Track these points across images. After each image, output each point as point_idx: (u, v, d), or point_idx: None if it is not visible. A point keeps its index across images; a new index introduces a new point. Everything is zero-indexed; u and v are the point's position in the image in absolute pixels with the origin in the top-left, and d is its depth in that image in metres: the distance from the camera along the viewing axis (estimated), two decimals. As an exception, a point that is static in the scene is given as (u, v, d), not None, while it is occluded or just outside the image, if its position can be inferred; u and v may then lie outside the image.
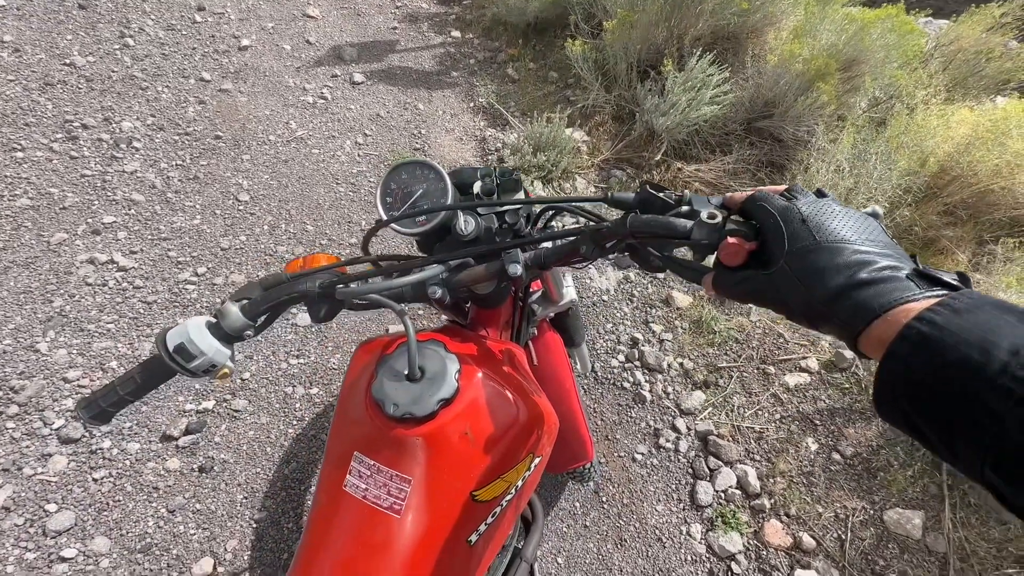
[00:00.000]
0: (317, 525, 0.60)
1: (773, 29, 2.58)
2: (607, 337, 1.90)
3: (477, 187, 0.73)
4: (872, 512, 1.51)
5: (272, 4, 2.93)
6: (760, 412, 1.71)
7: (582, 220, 0.70)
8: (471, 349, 0.70)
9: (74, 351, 1.66)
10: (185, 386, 1.65)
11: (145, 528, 1.42)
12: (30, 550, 1.35)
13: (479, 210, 0.70)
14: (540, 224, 0.78)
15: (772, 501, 1.55)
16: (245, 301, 0.61)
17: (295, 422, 1.64)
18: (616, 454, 1.65)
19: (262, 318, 0.63)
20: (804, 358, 1.81)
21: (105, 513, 1.43)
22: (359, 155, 2.38)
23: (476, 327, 0.81)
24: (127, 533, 1.41)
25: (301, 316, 1.85)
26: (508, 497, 0.65)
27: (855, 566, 1.44)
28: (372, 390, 0.60)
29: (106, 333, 1.72)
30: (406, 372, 0.60)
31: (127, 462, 1.51)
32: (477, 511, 0.62)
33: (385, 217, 0.67)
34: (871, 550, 1.46)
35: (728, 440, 1.66)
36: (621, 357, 1.84)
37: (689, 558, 1.47)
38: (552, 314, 1.12)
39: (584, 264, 0.61)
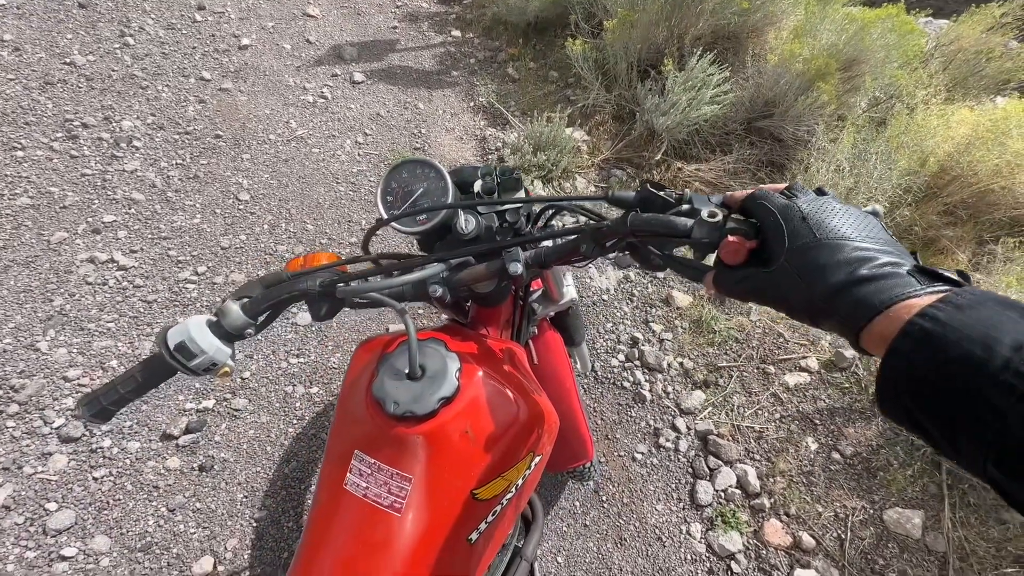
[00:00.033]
0: (317, 523, 0.60)
1: (773, 29, 2.58)
2: (607, 336, 1.90)
3: (478, 186, 0.73)
4: (872, 511, 1.52)
5: (272, 3, 2.93)
6: (760, 412, 1.72)
7: (582, 219, 0.70)
8: (472, 348, 0.70)
9: (74, 350, 1.66)
10: (185, 385, 1.65)
11: (145, 527, 1.42)
12: (30, 549, 1.35)
13: (480, 209, 0.70)
14: (541, 223, 0.78)
15: (772, 500, 1.55)
16: (246, 299, 0.61)
17: (295, 421, 1.64)
18: (616, 453, 1.65)
19: (263, 316, 0.63)
20: (804, 358, 1.81)
21: (105, 512, 1.43)
22: (359, 154, 2.38)
23: (476, 326, 0.81)
24: (127, 532, 1.41)
25: (301, 315, 1.85)
26: (508, 496, 0.66)
27: (855, 565, 1.44)
28: (373, 388, 0.60)
29: (106, 332, 1.72)
30: (407, 371, 0.60)
31: (127, 461, 1.51)
32: (477, 509, 0.62)
33: (386, 216, 0.67)
34: (871, 549, 1.46)
35: (728, 439, 1.66)
36: (621, 356, 1.85)
37: (689, 557, 1.47)
38: (552, 313, 1.12)
39: (585, 263, 0.62)
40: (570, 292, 1.06)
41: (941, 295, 0.32)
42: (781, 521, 1.52)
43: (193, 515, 1.45)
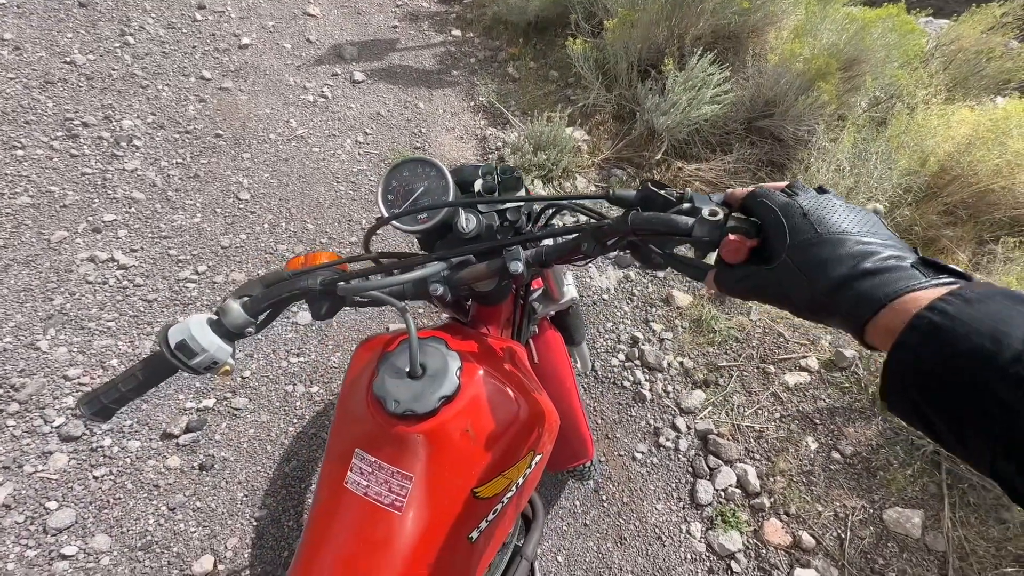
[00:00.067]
0: (318, 522, 0.60)
1: (774, 28, 2.58)
2: (607, 336, 1.90)
3: (478, 185, 0.73)
4: (872, 511, 1.52)
5: (272, 2, 2.93)
6: (760, 411, 1.72)
7: (583, 218, 0.70)
8: (472, 347, 0.70)
9: (74, 349, 1.66)
10: (185, 384, 1.65)
11: (146, 526, 1.42)
12: (31, 547, 1.35)
13: (480, 208, 0.70)
14: (541, 222, 0.78)
15: (772, 500, 1.55)
16: (246, 298, 0.61)
17: (295, 420, 1.64)
18: (616, 453, 1.65)
19: (263, 315, 0.63)
20: (804, 357, 1.81)
21: (105, 511, 1.43)
22: (359, 154, 2.38)
23: (477, 325, 0.81)
24: (127, 531, 1.41)
25: (301, 314, 1.85)
26: (509, 494, 0.66)
27: (854, 565, 1.44)
28: (373, 387, 0.60)
29: (106, 331, 1.72)
30: (407, 369, 0.60)
31: (128, 460, 1.51)
32: (478, 508, 0.62)
33: (387, 214, 0.67)
34: (870, 549, 1.46)
35: (728, 439, 1.66)
36: (621, 356, 1.85)
37: (689, 556, 1.48)
38: (553, 312, 1.12)
39: (585, 261, 0.62)
40: (571, 291, 1.07)
41: (948, 288, 0.32)
42: (781, 520, 1.52)
43: (193, 514, 1.46)
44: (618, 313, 1.96)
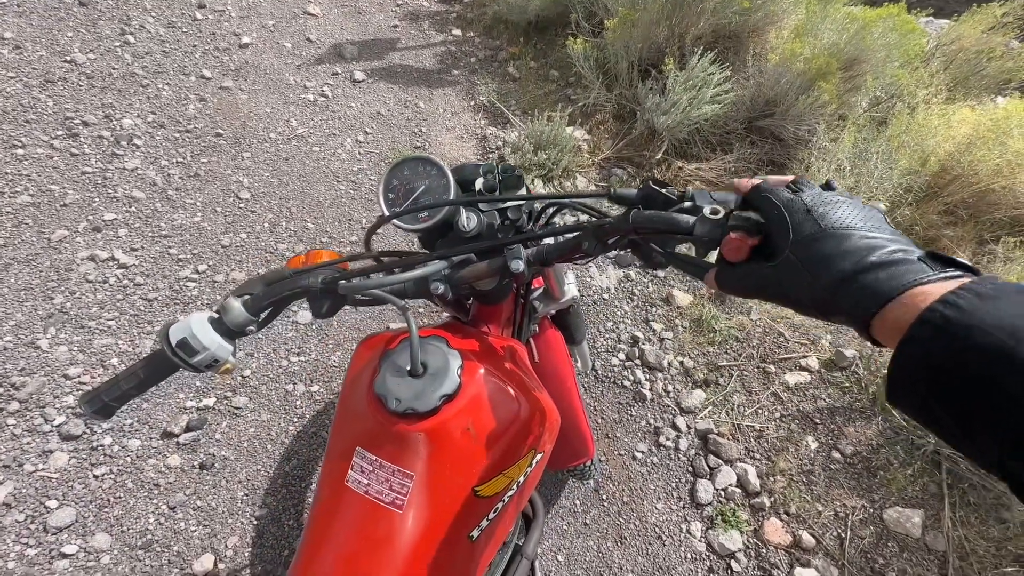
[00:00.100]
0: (319, 520, 0.60)
1: (774, 28, 2.58)
2: (607, 335, 1.90)
3: (479, 183, 0.73)
4: (872, 511, 1.52)
5: (273, 2, 2.93)
6: (760, 411, 1.72)
7: (584, 217, 0.70)
8: (473, 345, 0.70)
9: (75, 348, 1.66)
10: (186, 383, 1.65)
11: (146, 525, 1.42)
12: (31, 546, 1.35)
13: (481, 206, 0.70)
14: (542, 220, 0.78)
15: (772, 499, 1.55)
16: (247, 296, 0.61)
17: (296, 419, 1.64)
18: (616, 452, 1.65)
19: (264, 313, 0.63)
20: (804, 357, 1.81)
21: (106, 510, 1.43)
22: (360, 153, 2.38)
23: (478, 323, 0.81)
24: (128, 530, 1.41)
25: (302, 314, 1.85)
26: (510, 493, 0.66)
27: (855, 564, 1.44)
28: (374, 385, 0.60)
29: (107, 330, 1.72)
30: (408, 368, 0.60)
31: (128, 459, 1.51)
32: (479, 507, 0.62)
33: (388, 213, 0.67)
34: (871, 548, 1.46)
35: (728, 438, 1.66)
36: (621, 355, 1.85)
37: (689, 556, 1.48)
38: (554, 311, 1.12)
39: (587, 260, 0.61)
40: (571, 290, 1.07)
41: (959, 283, 0.31)
42: (781, 520, 1.52)
43: (194, 513, 1.46)
44: (618, 312, 1.96)
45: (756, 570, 1.45)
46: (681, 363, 1.82)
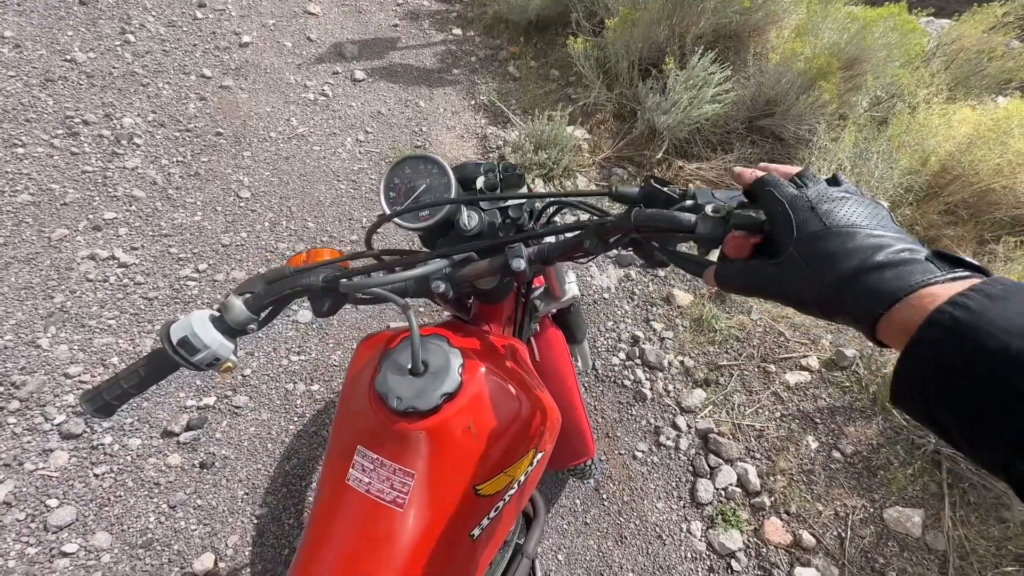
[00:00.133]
0: (320, 519, 0.60)
1: (775, 27, 2.58)
2: (608, 335, 1.90)
3: (480, 182, 0.73)
4: (872, 510, 1.52)
5: (273, 1, 2.92)
6: (760, 410, 1.72)
7: (585, 215, 0.70)
8: (474, 344, 0.70)
9: (75, 347, 1.66)
10: (186, 382, 1.65)
11: (146, 523, 1.42)
12: (31, 545, 1.35)
13: (482, 205, 0.70)
14: (543, 219, 0.78)
15: (772, 499, 1.55)
16: (248, 295, 0.61)
17: (296, 418, 1.64)
18: (616, 452, 1.65)
19: (265, 312, 0.63)
20: (805, 356, 1.81)
21: (106, 508, 1.43)
22: (360, 152, 2.38)
23: (479, 322, 0.81)
24: (128, 528, 1.41)
25: (302, 313, 1.85)
26: (511, 492, 0.66)
27: (855, 564, 1.44)
28: (375, 384, 0.60)
29: (107, 329, 1.72)
30: (409, 366, 0.60)
31: (128, 458, 1.51)
32: (480, 505, 0.62)
33: (389, 212, 0.67)
34: (871, 548, 1.46)
35: (728, 438, 1.66)
36: (622, 355, 1.85)
37: (689, 555, 1.48)
38: (554, 310, 1.12)
39: (588, 259, 0.61)
40: (572, 289, 1.07)
41: (969, 283, 0.31)
42: (781, 519, 1.52)
43: (194, 512, 1.46)
44: (619, 312, 1.95)
45: (756, 569, 1.45)
46: (681, 362, 1.82)
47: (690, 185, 0.61)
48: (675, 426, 1.69)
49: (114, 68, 2.38)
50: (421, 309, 1.92)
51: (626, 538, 1.50)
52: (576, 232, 0.59)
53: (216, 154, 2.23)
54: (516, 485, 0.66)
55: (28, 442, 1.48)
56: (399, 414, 0.58)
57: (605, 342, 1.88)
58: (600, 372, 1.81)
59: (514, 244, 0.61)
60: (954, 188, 2.09)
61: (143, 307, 1.78)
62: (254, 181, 2.18)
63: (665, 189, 0.52)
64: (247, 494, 1.50)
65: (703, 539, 1.50)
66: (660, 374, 1.80)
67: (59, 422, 1.52)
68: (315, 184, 2.22)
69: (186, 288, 1.85)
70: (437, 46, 2.96)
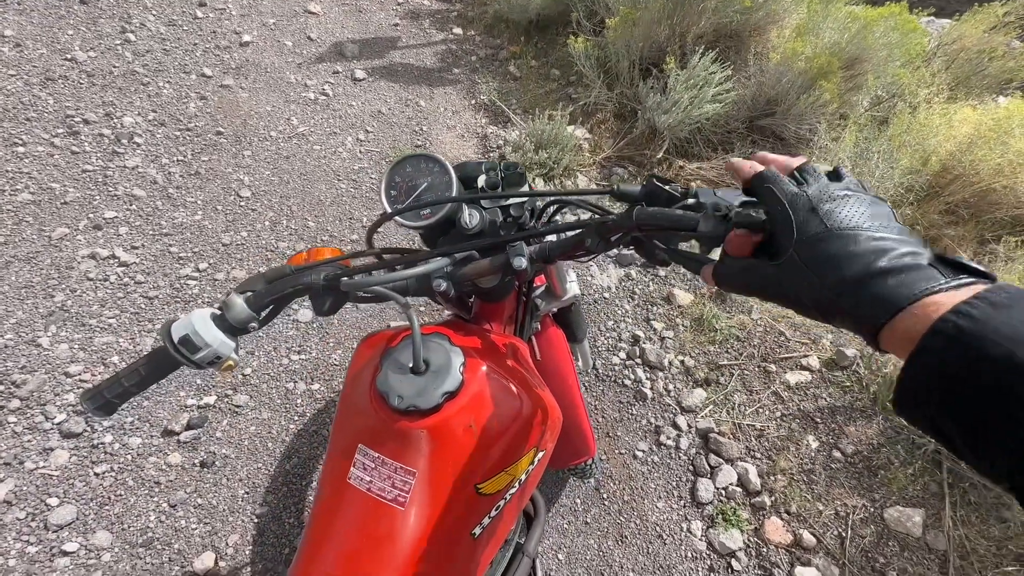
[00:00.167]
0: (321, 517, 0.60)
1: (776, 27, 2.58)
2: (608, 334, 1.90)
3: (481, 180, 0.73)
4: (872, 510, 1.52)
5: (273, 0, 2.92)
6: (761, 410, 1.72)
7: (586, 215, 0.70)
8: (475, 343, 0.70)
9: (75, 346, 1.66)
10: (186, 381, 1.65)
11: (147, 522, 1.42)
12: (32, 544, 1.35)
13: (484, 204, 0.70)
14: (545, 218, 0.78)
15: (773, 498, 1.55)
16: (250, 293, 0.61)
17: (296, 418, 1.64)
18: (617, 451, 1.65)
19: (267, 310, 0.63)
20: (805, 356, 1.81)
21: (107, 507, 1.43)
22: (360, 151, 2.38)
23: (480, 321, 0.81)
24: (128, 527, 1.41)
25: (303, 312, 1.85)
26: (512, 491, 0.66)
27: (855, 563, 1.44)
28: (377, 382, 0.60)
29: (107, 328, 1.72)
30: (410, 365, 0.60)
31: (128, 457, 1.51)
32: (481, 504, 0.62)
33: (390, 210, 0.66)
34: (871, 548, 1.46)
35: (729, 437, 1.66)
36: (622, 354, 1.84)
37: (689, 555, 1.48)
38: (555, 309, 1.12)
39: (589, 258, 0.61)
40: (573, 288, 1.06)
41: (973, 291, 0.31)
42: (782, 519, 1.52)
43: (194, 511, 1.46)
44: (619, 311, 1.95)
45: (757, 569, 1.45)
46: (682, 362, 1.82)
47: (692, 184, 0.61)
48: (675, 425, 1.69)
49: (114, 67, 2.38)
50: (422, 308, 1.92)
51: (626, 537, 1.50)
52: (578, 231, 0.59)
53: (216, 153, 2.23)
54: (517, 484, 0.66)
55: (28, 441, 1.48)
56: (400, 413, 0.58)
57: (605, 341, 1.88)
58: (600, 371, 1.81)
59: (515, 243, 0.60)
60: (955, 188, 2.09)
61: (143, 306, 1.78)
62: (254, 180, 2.18)
63: (667, 188, 0.52)
64: (247, 493, 1.50)
65: (703, 538, 1.50)
66: (660, 373, 1.80)
67: (59, 421, 1.52)
68: (315, 183, 2.22)
69: (186, 287, 1.85)
70: (437, 45, 2.96)
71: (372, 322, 1.89)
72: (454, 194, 0.67)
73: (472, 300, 0.80)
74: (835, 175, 0.41)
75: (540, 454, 0.70)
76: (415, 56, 2.87)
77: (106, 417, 0.61)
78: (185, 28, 2.63)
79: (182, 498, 1.46)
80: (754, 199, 0.44)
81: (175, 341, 0.56)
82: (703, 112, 2.24)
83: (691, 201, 0.49)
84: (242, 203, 2.10)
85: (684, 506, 1.55)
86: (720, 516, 1.52)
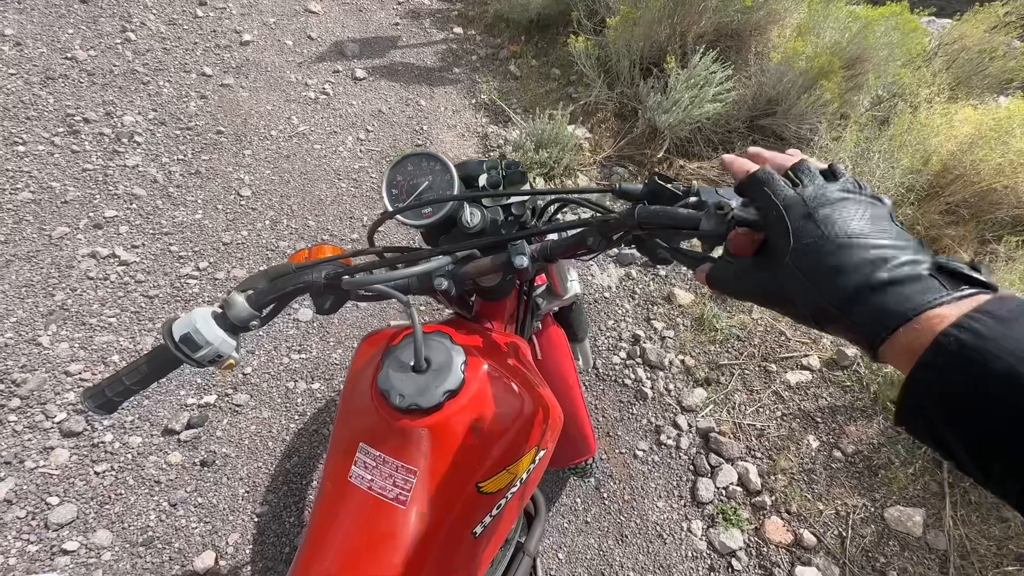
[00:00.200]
0: (322, 516, 0.60)
1: (776, 27, 2.57)
2: (609, 334, 1.90)
3: (483, 179, 0.72)
4: (873, 509, 1.52)
5: (274, -1, 2.92)
6: (761, 409, 1.72)
7: (587, 214, 0.70)
8: (476, 341, 0.70)
9: (76, 345, 1.66)
10: (187, 380, 1.65)
11: (147, 521, 1.42)
12: (32, 543, 1.35)
13: (485, 202, 0.70)
14: (546, 217, 0.78)
15: (773, 498, 1.55)
16: (251, 291, 0.61)
17: (297, 417, 1.64)
18: (617, 451, 1.65)
19: (268, 309, 0.63)
20: (806, 356, 1.81)
21: (107, 506, 1.43)
22: (361, 151, 2.38)
23: (481, 320, 0.81)
24: (129, 526, 1.41)
25: (303, 311, 1.85)
26: (513, 490, 0.65)
27: (855, 563, 1.44)
28: (378, 381, 0.60)
29: (108, 327, 1.71)
30: (412, 363, 0.60)
31: (129, 455, 1.51)
32: (482, 503, 0.62)
33: (391, 209, 0.66)
34: (872, 547, 1.46)
35: (729, 437, 1.66)
36: (623, 354, 1.84)
37: (690, 554, 1.48)
38: (556, 308, 1.12)
39: (591, 256, 0.61)
40: (574, 287, 1.06)
41: (975, 304, 0.30)
42: (782, 518, 1.52)
43: (195, 510, 1.46)
44: (620, 311, 1.95)
45: (757, 568, 1.45)
46: (682, 361, 1.82)
47: (694, 182, 0.60)
48: (676, 425, 1.69)
49: (115, 66, 2.38)
50: (423, 307, 1.92)
51: (627, 537, 1.50)
52: (579, 229, 0.59)
53: (217, 152, 2.23)
54: (518, 483, 0.66)
55: (29, 440, 1.48)
56: (401, 411, 0.58)
57: (606, 341, 1.88)
58: (601, 371, 1.81)
59: (517, 241, 0.60)
60: (955, 188, 2.09)
61: (144, 305, 1.78)
62: (255, 179, 2.18)
63: (669, 186, 0.52)
64: (248, 492, 1.50)
65: (704, 538, 1.50)
66: (661, 373, 1.80)
67: (60, 420, 1.52)
68: (316, 182, 2.22)
69: (187, 286, 1.85)
70: (438, 45, 2.96)
71: (373, 321, 1.89)
72: (455, 193, 0.67)
73: (473, 299, 0.80)
74: (831, 173, 0.40)
75: (541, 453, 0.70)
76: (415, 55, 2.87)
77: (107, 415, 0.61)
78: (185, 27, 2.62)
79: (182, 497, 1.46)
80: (746, 199, 0.43)
81: (176, 339, 0.56)
82: (704, 112, 2.24)
83: (693, 200, 0.49)
84: (242, 202, 2.10)
85: (684, 505, 1.55)
86: (720, 515, 1.52)
